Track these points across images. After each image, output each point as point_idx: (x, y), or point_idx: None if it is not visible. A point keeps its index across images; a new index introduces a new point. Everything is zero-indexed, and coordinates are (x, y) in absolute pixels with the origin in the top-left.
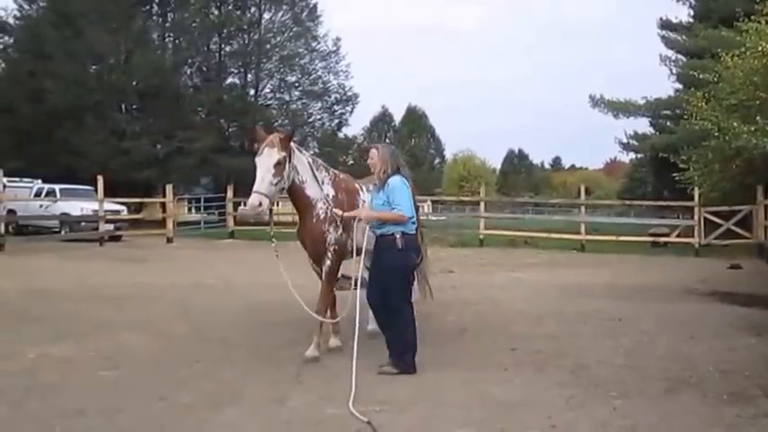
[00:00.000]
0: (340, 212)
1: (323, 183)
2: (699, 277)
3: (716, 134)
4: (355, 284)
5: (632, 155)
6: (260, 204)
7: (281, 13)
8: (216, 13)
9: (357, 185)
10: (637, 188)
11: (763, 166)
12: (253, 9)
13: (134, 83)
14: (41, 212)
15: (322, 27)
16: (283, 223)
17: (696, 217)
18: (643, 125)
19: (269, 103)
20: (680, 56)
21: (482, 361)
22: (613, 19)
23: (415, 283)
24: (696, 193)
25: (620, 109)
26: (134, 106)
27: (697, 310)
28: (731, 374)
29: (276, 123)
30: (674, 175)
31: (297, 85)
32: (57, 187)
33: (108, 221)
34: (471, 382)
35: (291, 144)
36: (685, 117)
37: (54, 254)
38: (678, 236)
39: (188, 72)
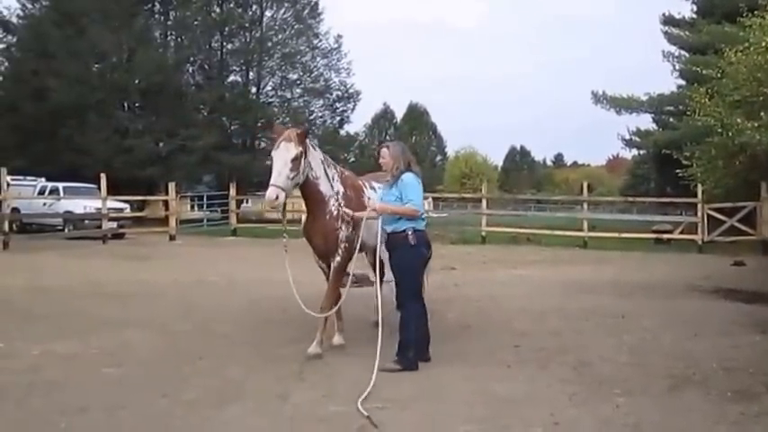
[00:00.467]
0: (350, 213)
1: (333, 179)
2: (702, 274)
3: (719, 130)
4: (356, 282)
5: (635, 151)
6: (277, 198)
7: (282, 11)
8: (217, 11)
9: (361, 182)
10: (639, 185)
11: (767, 162)
12: (254, 7)
13: (136, 81)
14: (45, 210)
15: (323, 24)
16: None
17: (699, 213)
18: (646, 121)
19: (271, 100)
20: (683, 52)
21: (485, 358)
22: (615, 15)
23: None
24: (699, 189)
25: (623, 105)
26: (136, 104)
27: (700, 308)
28: (735, 372)
29: (278, 121)
30: (677, 171)
31: (298, 82)
32: (60, 185)
33: (111, 219)
34: (474, 379)
35: (306, 140)
36: (688, 113)
37: (57, 251)
38: (681, 233)
39: (190, 70)
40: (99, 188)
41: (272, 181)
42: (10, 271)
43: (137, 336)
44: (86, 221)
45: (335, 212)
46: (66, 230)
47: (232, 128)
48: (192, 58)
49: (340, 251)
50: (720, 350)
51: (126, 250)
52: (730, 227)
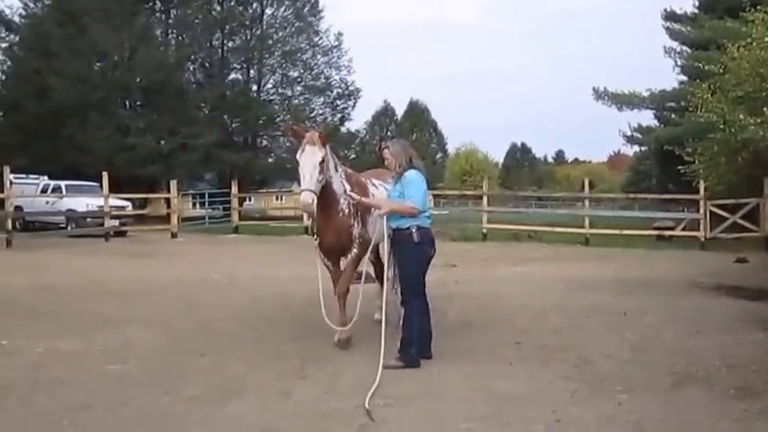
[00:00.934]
0: (356, 197)
1: (342, 178)
2: (704, 271)
3: (722, 126)
4: (357, 278)
5: (636, 148)
6: (312, 201)
7: (282, 9)
8: (218, 9)
9: (364, 180)
10: (641, 181)
11: None
12: (255, 5)
13: (138, 79)
14: (48, 209)
15: (324, 22)
16: (286, 218)
17: (702, 210)
18: (647, 118)
19: (271, 98)
20: (685, 47)
21: (486, 355)
22: (617, 10)
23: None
24: (702, 186)
25: (625, 101)
26: (138, 103)
27: (703, 305)
28: (738, 369)
29: (279, 119)
30: (680, 167)
31: (299, 80)
32: (62, 184)
33: (113, 217)
34: (475, 377)
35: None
36: (690, 109)
37: (60, 250)
38: (683, 229)
39: (191, 68)
40: (101, 186)
41: (304, 185)
42: (13, 269)
43: (139, 333)
44: (89, 219)
45: (347, 210)
46: (68, 228)
47: (233, 126)
48: (192, 57)
49: (355, 245)
50: (723, 347)
51: (128, 248)
52: (733, 223)
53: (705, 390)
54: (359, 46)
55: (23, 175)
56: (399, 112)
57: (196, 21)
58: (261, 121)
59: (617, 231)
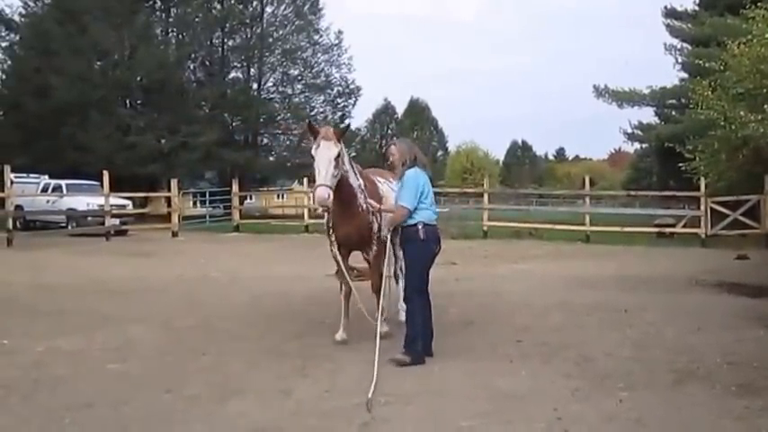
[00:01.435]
0: (377, 206)
1: (356, 173)
2: (705, 268)
3: (722, 123)
4: (359, 275)
5: (637, 145)
6: (328, 197)
7: (282, 7)
8: (218, 7)
9: (372, 177)
10: (642, 179)
11: None
12: (255, 3)
13: (138, 78)
14: (48, 208)
15: (324, 20)
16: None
17: (702, 207)
18: (648, 115)
19: (272, 96)
20: (685, 44)
21: (487, 353)
22: (617, 7)
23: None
24: (702, 183)
25: (625, 98)
26: (138, 101)
27: (704, 302)
28: (739, 366)
29: (279, 117)
30: (680, 165)
31: (299, 78)
32: (63, 183)
33: (114, 216)
34: (476, 374)
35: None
36: (691, 106)
37: (61, 249)
38: (684, 226)
39: (191, 67)
40: (102, 185)
41: (320, 181)
42: (14, 268)
43: (140, 332)
44: (89, 218)
45: (365, 206)
46: (69, 227)
47: (234, 124)
48: (193, 55)
49: (374, 240)
50: (724, 344)
51: (129, 247)
52: (734, 220)
53: (706, 387)
54: (359, 44)
55: (24, 175)
56: (400, 110)
57: (196, 19)
58: (261, 120)
59: (618, 229)
